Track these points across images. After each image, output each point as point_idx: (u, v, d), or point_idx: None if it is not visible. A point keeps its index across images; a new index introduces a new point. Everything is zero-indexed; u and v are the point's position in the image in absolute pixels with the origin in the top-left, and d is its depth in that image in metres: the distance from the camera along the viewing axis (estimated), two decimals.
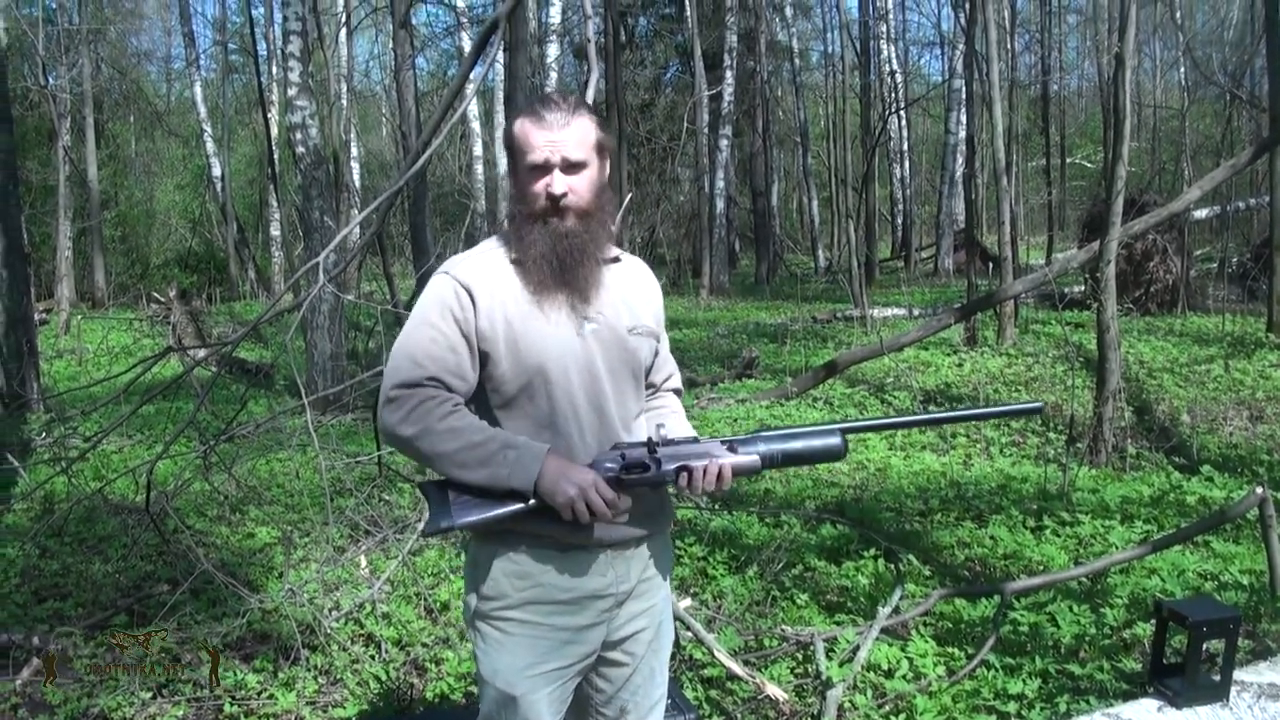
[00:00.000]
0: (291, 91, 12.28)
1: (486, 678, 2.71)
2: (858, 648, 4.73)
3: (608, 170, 2.74)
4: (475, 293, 2.60)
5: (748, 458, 2.64)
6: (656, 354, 2.88)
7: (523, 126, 2.62)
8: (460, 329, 2.59)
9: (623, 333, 2.70)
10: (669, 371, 2.99)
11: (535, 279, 2.61)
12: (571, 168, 2.60)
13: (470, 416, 2.57)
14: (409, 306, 2.76)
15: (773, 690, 4.42)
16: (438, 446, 2.52)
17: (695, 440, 2.67)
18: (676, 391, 3.02)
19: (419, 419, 2.53)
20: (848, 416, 10.10)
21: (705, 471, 2.59)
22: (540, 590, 2.65)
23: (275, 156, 27.44)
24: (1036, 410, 3.01)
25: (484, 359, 2.61)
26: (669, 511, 2.87)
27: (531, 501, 2.51)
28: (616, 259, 2.79)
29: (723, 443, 2.66)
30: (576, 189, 2.61)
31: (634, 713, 2.88)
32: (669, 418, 2.88)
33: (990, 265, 21.82)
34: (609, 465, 2.57)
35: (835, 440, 2.73)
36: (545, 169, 2.59)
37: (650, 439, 2.63)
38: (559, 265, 2.60)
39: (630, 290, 2.79)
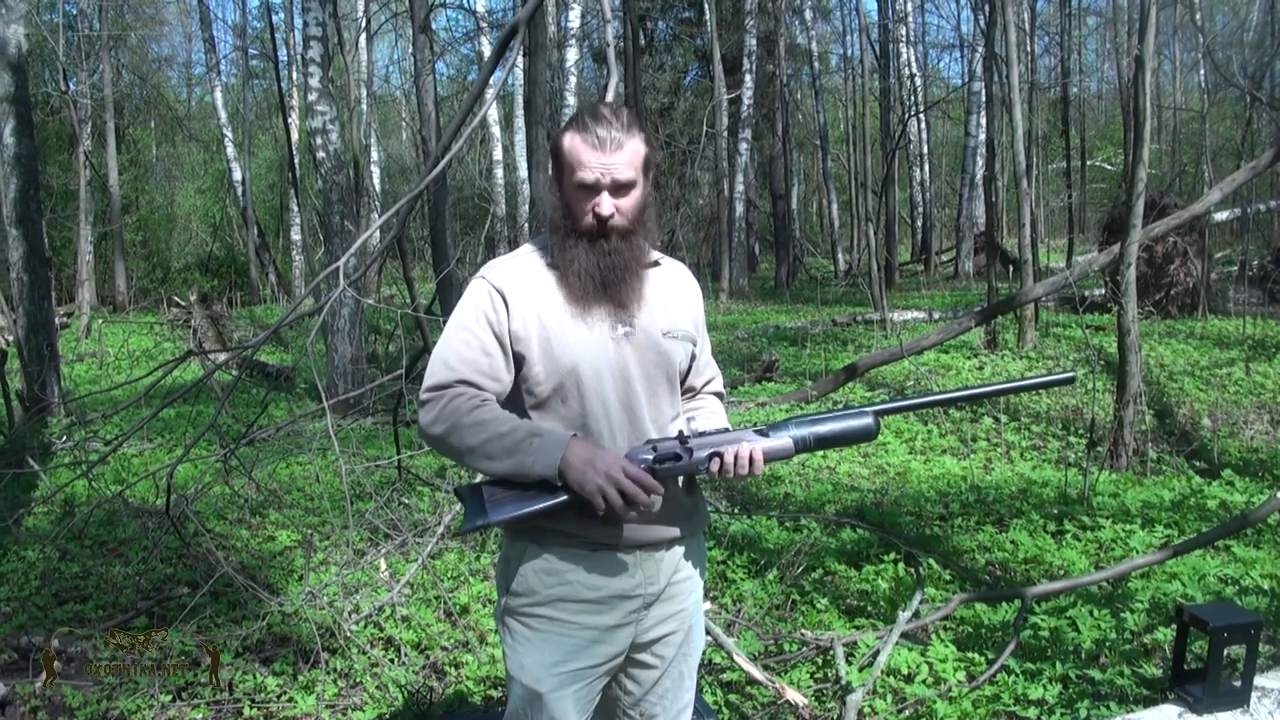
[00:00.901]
0: (312, 96, 12.33)
1: (513, 674, 2.72)
2: (878, 652, 4.72)
3: (650, 185, 2.74)
4: (508, 295, 2.63)
5: (780, 441, 2.64)
6: (694, 358, 2.87)
7: (574, 143, 2.60)
8: (493, 331, 2.62)
9: (657, 336, 2.70)
10: (710, 376, 2.98)
11: (576, 291, 2.62)
12: (620, 189, 2.61)
13: (498, 410, 2.58)
14: (429, 310, 2.79)
15: (792, 695, 4.41)
16: (466, 440, 2.54)
17: (726, 430, 2.68)
18: (719, 395, 3.02)
19: (448, 417, 2.56)
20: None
21: (737, 456, 2.58)
22: (569, 588, 2.66)
23: (296, 161, 27.60)
24: (1070, 380, 2.97)
25: (519, 360, 2.63)
26: (702, 514, 2.87)
27: (564, 496, 2.50)
28: (656, 263, 2.80)
29: (755, 430, 2.66)
30: (623, 209, 2.62)
31: (661, 717, 2.88)
32: (705, 416, 2.89)
33: (1010, 268, 21.74)
34: (642, 458, 2.57)
35: (868, 420, 2.70)
36: (594, 190, 2.59)
37: (681, 431, 2.64)
38: (601, 281, 2.62)
39: (668, 294, 2.79)
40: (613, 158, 2.57)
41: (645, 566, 2.71)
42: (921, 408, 2.87)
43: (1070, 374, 3.00)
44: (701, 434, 2.65)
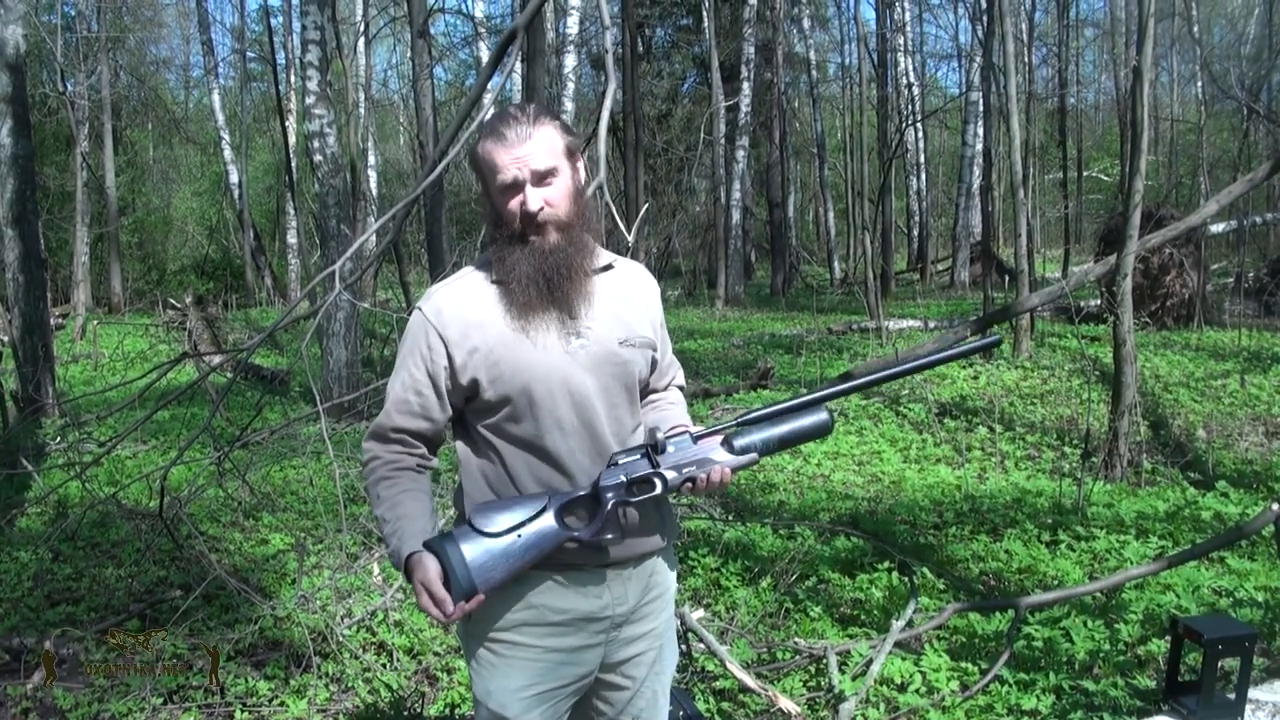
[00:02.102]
0: (310, 100, 12.32)
1: (480, 699, 2.68)
2: (871, 661, 4.71)
3: (583, 175, 2.66)
4: (446, 328, 2.57)
5: (747, 457, 2.60)
6: (654, 364, 2.79)
7: (486, 149, 2.57)
8: (427, 369, 2.59)
9: (613, 347, 2.62)
10: (671, 375, 2.92)
11: (521, 300, 2.55)
12: (542, 179, 2.54)
13: (398, 484, 2.63)
14: None
15: (785, 703, 4.40)
16: (372, 507, 2.68)
17: (691, 438, 2.60)
18: (680, 388, 2.95)
19: (367, 476, 2.70)
20: (866, 411, 10.08)
21: (708, 480, 2.56)
22: (534, 612, 2.60)
23: (293, 164, 27.56)
24: (996, 343, 2.99)
25: (473, 386, 2.57)
26: (671, 527, 2.81)
27: (549, 546, 2.49)
28: (609, 266, 2.72)
29: (710, 433, 2.61)
30: (552, 200, 2.55)
31: None
32: (668, 409, 2.83)
33: (1006, 278, 21.79)
34: (612, 490, 2.52)
35: (824, 416, 2.65)
36: (516, 187, 2.54)
37: (647, 447, 2.57)
38: (545, 285, 2.54)
39: (623, 300, 2.71)
40: (524, 149, 2.52)
41: (614, 587, 2.65)
42: (856, 390, 2.82)
43: (996, 338, 3.01)
44: (668, 440, 2.58)
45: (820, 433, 2.68)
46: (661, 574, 2.78)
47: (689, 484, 2.55)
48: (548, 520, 2.48)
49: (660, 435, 2.57)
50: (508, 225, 2.57)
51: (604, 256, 2.72)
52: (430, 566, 2.44)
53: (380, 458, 2.66)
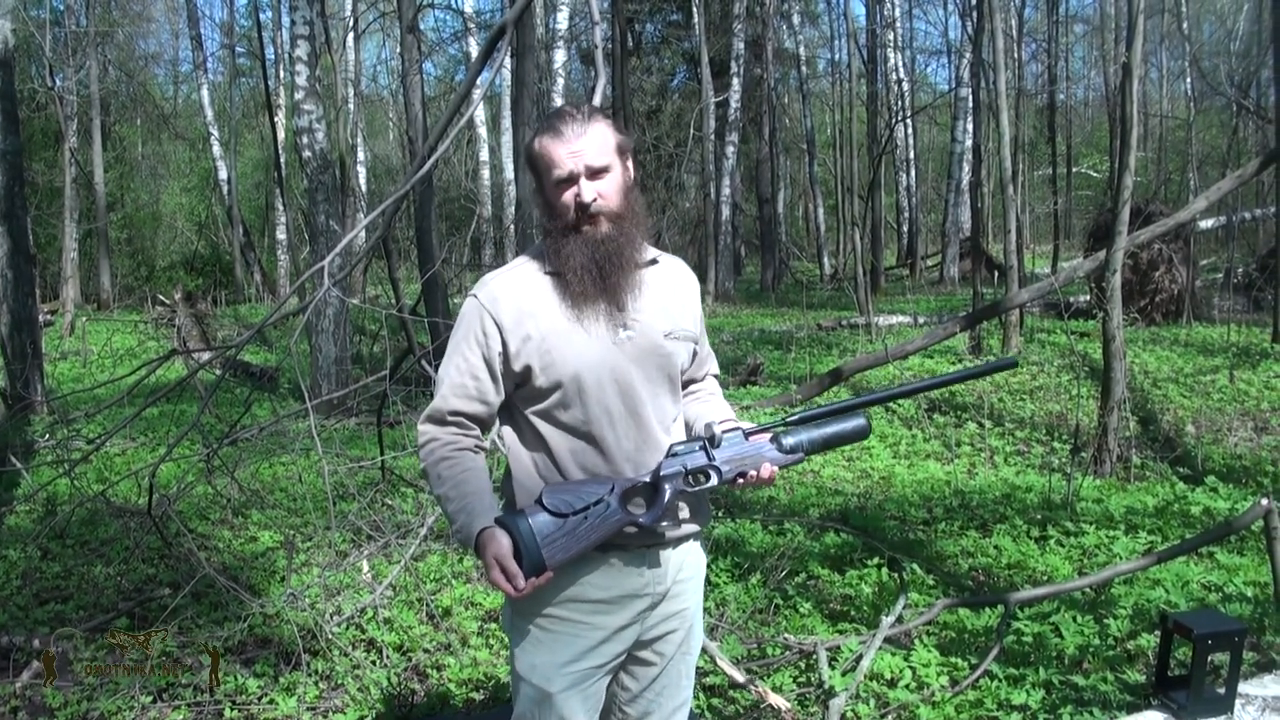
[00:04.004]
0: (299, 95, 12.30)
1: (523, 674, 2.75)
2: (861, 657, 4.71)
3: (632, 171, 2.78)
4: (501, 315, 2.67)
5: (795, 455, 2.73)
6: (695, 356, 2.91)
7: (542, 144, 2.67)
8: (483, 355, 2.68)
9: (658, 339, 2.74)
10: (708, 366, 3.03)
11: (575, 290, 2.65)
12: (596, 174, 2.65)
13: (456, 467, 2.70)
14: (414, 311, 2.80)
15: (775, 699, 4.40)
16: (431, 485, 2.77)
17: (743, 434, 2.72)
18: (716, 377, 3.08)
19: (425, 458, 2.75)
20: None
21: (758, 476, 2.68)
22: (579, 589, 2.69)
23: (282, 160, 27.53)
24: (1012, 364, 3.12)
25: (526, 372, 2.66)
26: (706, 512, 2.91)
27: (612, 526, 2.60)
28: (654, 261, 2.82)
29: (761, 430, 2.73)
30: (604, 194, 2.66)
31: (657, 714, 2.90)
32: (709, 400, 2.97)
33: (996, 274, 21.81)
34: (672, 479, 2.64)
35: (862, 421, 2.80)
36: (571, 180, 2.64)
37: (703, 440, 2.70)
38: (599, 273, 2.65)
39: (668, 293, 2.82)
40: (579, 144, 2.63)
41: (655, 567, 2.75)
42: (885, 400, 3.02)
43: (1012, 359, 3.14)
44: (725, 435, 2.70)
45: (859, 436, 2.84)
46: (695, 556, 2.89)
47: (740, 478, 2.68)
48: (612, 504, 2.61)
49: (716, 430, 2.71)
50: (561, 217, 2.68)
51: (649, 252, 2.83)
52: (503, 541, 2.55)
53: (439, 439, 2.73)
